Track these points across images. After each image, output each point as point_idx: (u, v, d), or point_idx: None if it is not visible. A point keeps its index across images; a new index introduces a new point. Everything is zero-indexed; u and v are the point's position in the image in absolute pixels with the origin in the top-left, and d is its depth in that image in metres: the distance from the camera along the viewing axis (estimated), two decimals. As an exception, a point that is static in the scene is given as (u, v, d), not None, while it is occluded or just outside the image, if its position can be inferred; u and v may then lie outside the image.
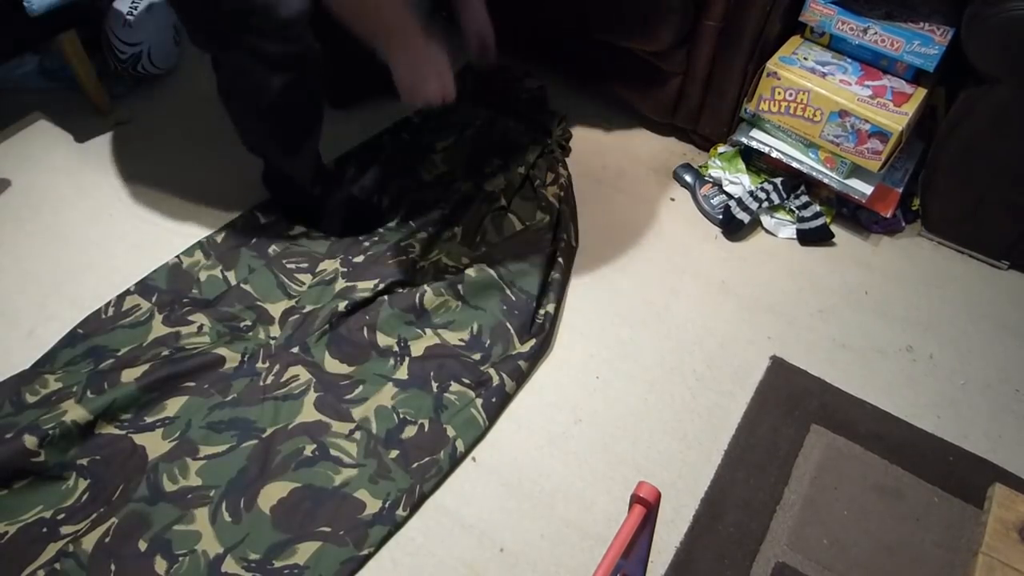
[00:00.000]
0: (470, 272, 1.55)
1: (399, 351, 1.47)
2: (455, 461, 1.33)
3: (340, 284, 1.55)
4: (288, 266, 1.59)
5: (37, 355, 1.44)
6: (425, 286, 1.54)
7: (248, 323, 1.49)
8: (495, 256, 1.59)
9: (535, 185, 1.71)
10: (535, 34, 1.92)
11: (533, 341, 1.47)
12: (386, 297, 1.52)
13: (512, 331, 1.49)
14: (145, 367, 1.38)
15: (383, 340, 1.48)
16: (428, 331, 1.50)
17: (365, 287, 1.52)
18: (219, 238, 1.64)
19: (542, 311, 1.52)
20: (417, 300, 1.52)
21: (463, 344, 1.48)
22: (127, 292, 1.54)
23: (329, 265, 1.59)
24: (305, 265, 1.60)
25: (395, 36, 1.29)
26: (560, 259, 1.60)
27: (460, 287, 1.54)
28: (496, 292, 1.54)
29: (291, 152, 1.53)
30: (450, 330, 1.50)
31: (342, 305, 1.49)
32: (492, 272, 1.55)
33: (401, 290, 1.54)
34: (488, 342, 1.48)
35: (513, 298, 1.53)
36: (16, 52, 1.93)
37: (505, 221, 1.68)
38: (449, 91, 1.37)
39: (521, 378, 1.44)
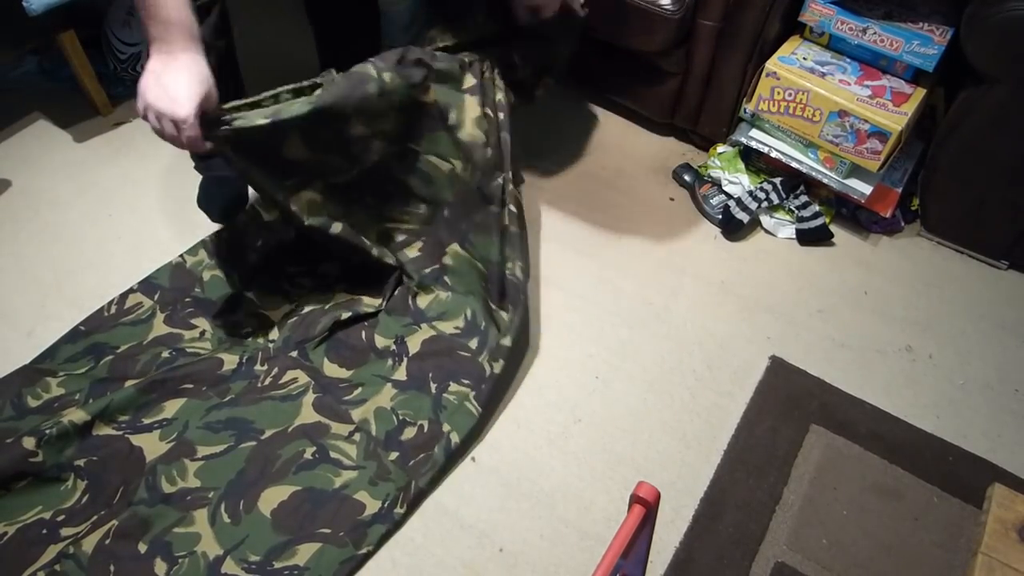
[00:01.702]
0: (447, 261, 1.54)
1: (397, 349, 1.47)
2: (450, 454, 1.33)
3: (341, 292, 1.55)
4: (290, 271, 1.59)
5: (36, 355, 1.44)
6: (414, 287, 1.54)
7: (249, 329, 1.50)
8: (457, 230, 1.54)
9: (446, 119, 1.48)
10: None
11: (510, 309, 1.44)
12: (383, 310, 1.53)
13: (493, 306, 1.49)
14: (146, 378, 1.38)
15: (381, 342, 1.48)
16: (424, 326, 1.50)
17: (371, 303, 1.52)
18: (223, 236, 1.64)
19: (509, 270, 1.47)
20: (410, 303, 1.52)
21: (459, 332, 1.48)
22: (130, 290, 1.54)
23: (331, 268, 1.59)
24: (306, 269, 1.60)
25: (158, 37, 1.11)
26: (511, 207, 1.48)
27: (446, 278, 1.54)
28: (473, 271, 1.52)
29: None
30: (444, 320, 1.50)
31: (344, 315, 1.49)
32: (465, 253, 1.52)
33: (395, 295, 1.54)
34: (483, 324, 1.48)
35: (486, 271, 1.51)
36: (16, 52, 1.93)
37: (413, 160, 1.50)
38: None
39: (508, 355, 1.42)
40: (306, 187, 1.40)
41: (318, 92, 1.32)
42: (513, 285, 1.46)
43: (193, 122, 1.12)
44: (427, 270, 1.56)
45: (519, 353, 1.47)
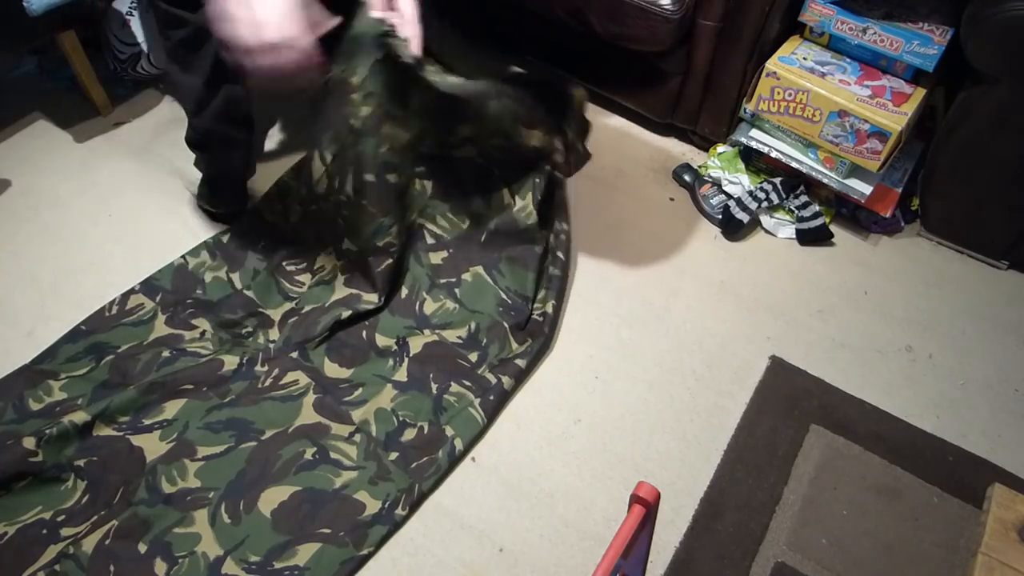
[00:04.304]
0: (466, 277, 1.55)
1: (398, 350, 1.47)
2: (454, 459, 1.33)
3: (340, 287, 1.54)
4: (288, 268, 1.59)
5: (36, 355, 1.44)
6: (424, 293, 1.54)
7: (249, 329, 1.50)
8: (488, 256, 1.57)
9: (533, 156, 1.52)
10: (535, 34, 1.92)
11: (530, 341, 1.47)
12: (386, 309, 1.53)
13: (508, 330, 1.49)
14: (147, 380, 1.38)
15: (382, 341, 1.48)
16: (427, 331, 1.50)
17: (369, 299, 1.52)
18: (225, 239, 1.64)
19: (538, 310, 1.51)
20: (417, 308, 1.52)
21: (460, 342, 1.48)
22: (131, 291, 1.54)
23: (327, 262, 1.58)
24: (304, 265, 1.59)
25: None
26: (559, 253, 1.57)
27: (457, 291, 1.54)
28: (492, 296, 1.53)
29: (185, 70, 1.51)
30: (448, 329, 1.51)
31: (345, 314, 1.48)
32: (487, 278, 1.55)
33: (401, 296, 1.54)
34: (484, 341, 1.48)
35: (509, 301, 1.53)
36: (16, 52, 1.93)
37: (491, 185, 1.55)
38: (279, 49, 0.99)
39: (520, 375, 1.44)
40: (402, 127, 1.44)
41: (451, 80, 1.36)
42: (539, 324, 1.50)
43: (300, 42, 0.98)
44: (443, 280, 1.56)
45: (531, 371, 1.47)
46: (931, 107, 1.68)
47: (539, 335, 1.48)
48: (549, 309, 1.51)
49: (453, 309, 1.53)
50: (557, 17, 1.76)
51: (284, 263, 1.59)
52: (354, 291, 1.53)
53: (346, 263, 1.56)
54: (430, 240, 1.59)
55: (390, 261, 1.51)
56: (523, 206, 1.54)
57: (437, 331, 1.50)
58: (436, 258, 1.58)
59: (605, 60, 1.83)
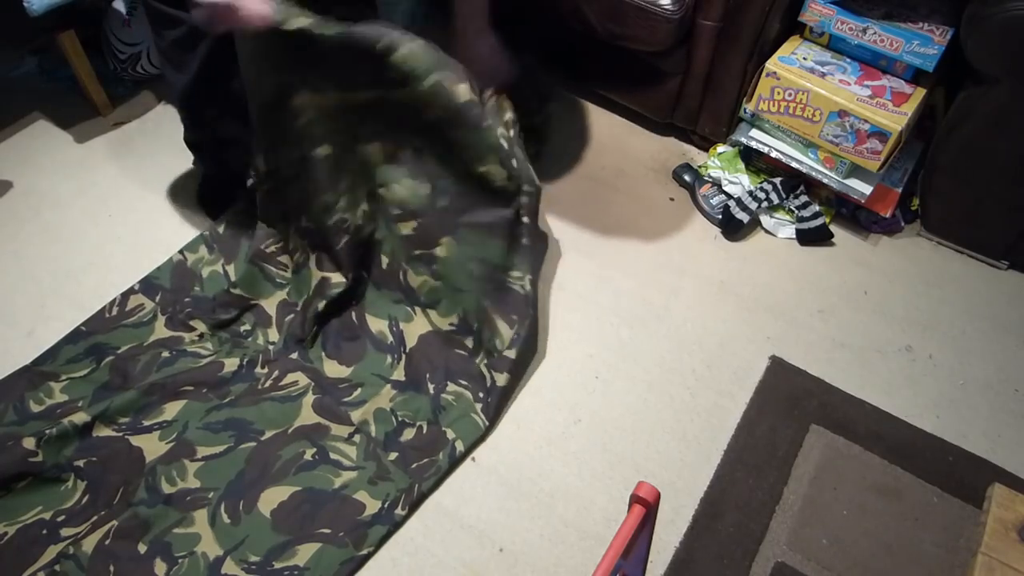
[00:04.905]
0: (439, 252, 1.48)
1: (394, 341, 1.46)
2: (454, 461, 1.33)
3: (315, 271, 1.51)
4: (269, 251, 1.56)
5: (37, 355, 1.44)
6: (405, 264, 1.50)
7: (248, 327, 1.49)
8: (452, 223, 1.47)
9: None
10: (535, 34, 1.92)
11: (516, 325, 1.44)
12: (370, 284, 1.50)
13: (489, 311, 1.44)
14: (147, 381, 1.38)
15: (375, 324, 1.47)
16: (417, 310, 1.49)
17: (337, 282, 1.49)
18: (220, 228, 1.64)
19: (516, 280, 1.45)
20: (401, 279, 1.50)
21: (454, 328, 1.48)
22: (131, 291, 1.54)
23: (295, 241, 1.54)
24: (280, 245, 1.57)
25: None
26: (526, 218, 1.44)
27: (435, 267, 1.49)
28: (467, 267, 1.46)
29: (180, 70, 1.51)
30: (439, 312, 1.49)
31: (320, 304, 1.47)
32: (457, 247, 1.46)
33: (382, 267, 1.51)
34: (476, 325, 1.46)
35: (481, 271, 1.46)
36: (16, 52, 1.93)
37: (442, 140, 1.40)
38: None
39: (513, 369, 1.41)
40: (320, 91, 1.36)
41: (346, 28, 1.29)
42: (521, 298, 1.45)
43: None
44: (417, 252, 1.50)
45: (524, 363, 1.47)
46: (931, 107, 1.68)
47: (524, 316, 1.43)
48: (527, 284, 1.45)
49: (438, 286, 1.50)
50: (557, 16, 1.76)
51: (263, 246, 1.56)
52: (324, 274, 1.51)
53: (310, 242, 1.53)
54: (395, 211, 1.49)
55: (347, 238, 1.47)
56: (486, 170, 1.41)
57: (428, 312, 1.49)
58: (406, 228, 1.50)
59: (605, 60, 1.83)
